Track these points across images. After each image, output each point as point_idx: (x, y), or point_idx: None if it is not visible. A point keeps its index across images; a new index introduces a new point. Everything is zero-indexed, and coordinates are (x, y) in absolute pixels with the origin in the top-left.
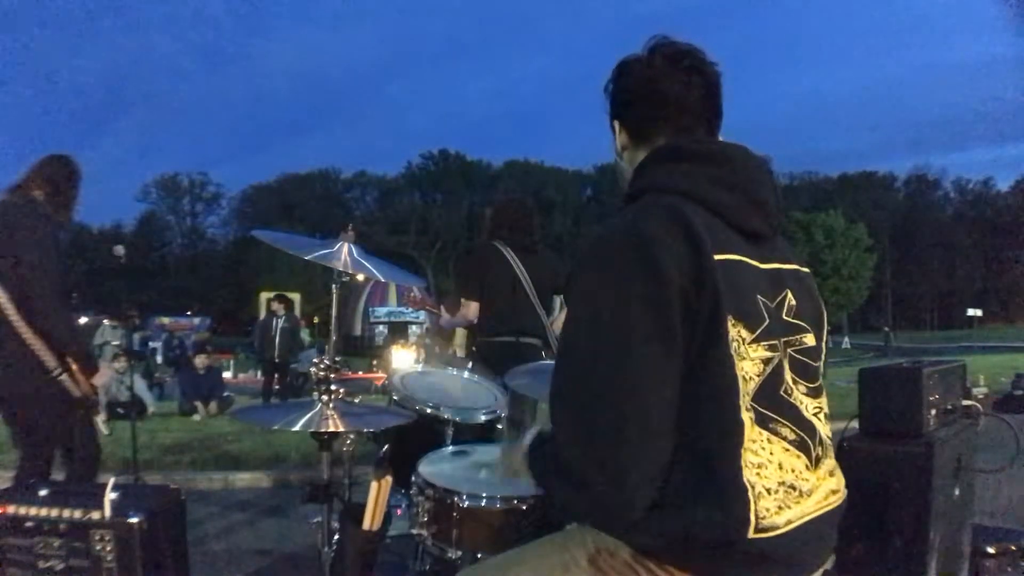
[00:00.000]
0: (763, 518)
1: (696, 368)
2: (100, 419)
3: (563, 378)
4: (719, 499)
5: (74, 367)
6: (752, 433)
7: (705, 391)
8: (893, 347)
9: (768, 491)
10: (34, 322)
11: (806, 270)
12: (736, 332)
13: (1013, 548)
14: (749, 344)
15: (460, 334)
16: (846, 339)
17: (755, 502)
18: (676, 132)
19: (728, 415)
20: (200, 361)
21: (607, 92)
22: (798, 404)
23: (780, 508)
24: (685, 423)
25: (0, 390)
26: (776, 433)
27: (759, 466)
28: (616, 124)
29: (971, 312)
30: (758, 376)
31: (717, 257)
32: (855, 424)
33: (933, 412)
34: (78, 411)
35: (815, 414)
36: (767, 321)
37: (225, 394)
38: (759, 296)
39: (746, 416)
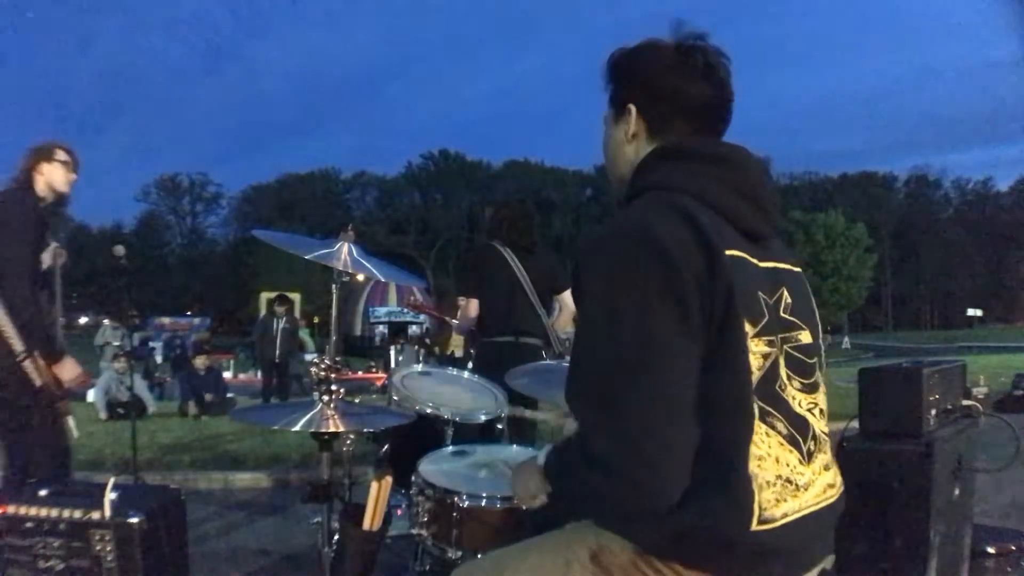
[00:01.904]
0: (764, 510)
1: (711, 361)
2: (71, 419)
3: (585, 376)
4: (727, 491)
5: (37, 355)
6: (755, 426)
7: (719, 384)
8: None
9: (768, 483)
10: (7, 303)
11: (799, 269)
12: (743, 326)
13: (1013, 548)
14: (752, 339)
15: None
16: (846, 339)
17: (758, 493)
18: (691, 133)
19: (741, 408)
20: (200, 362)
21: (620, 68)
22: (790, 400)
23: (778, 501)
24: (700, 415)
25: None
26: (773, 427)
27: (760, 459)
28: (632, 108)
29: (971, 312)
30: (759, 371)
31: (726, 252)
32: (855, 424)
33: (933, 412)
34: (41, 402)
35: (809, 410)
36: (767, 317)
37: (228, 395)
38: (760, 293)
39: (754, 409)
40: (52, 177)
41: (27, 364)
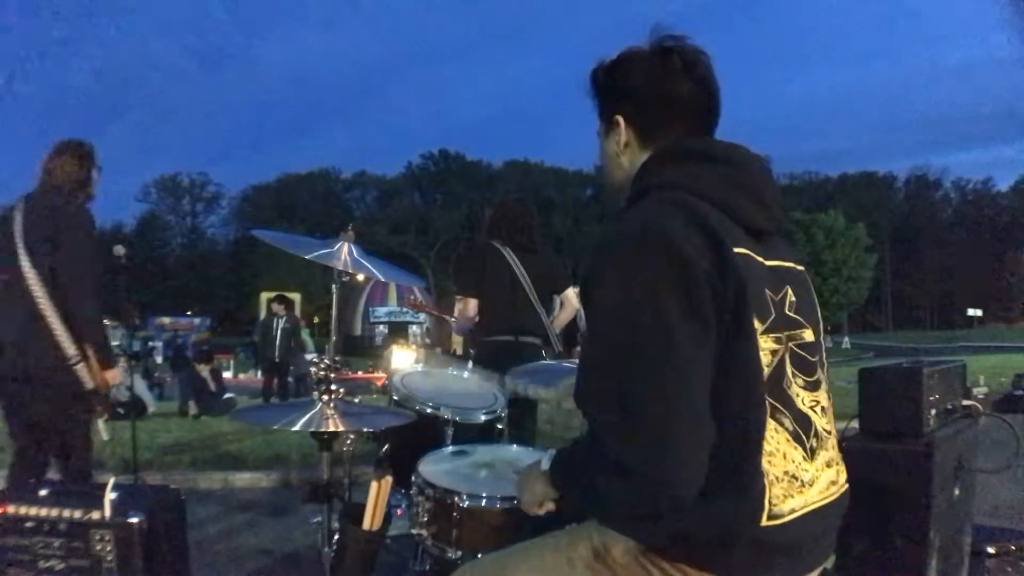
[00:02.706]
0: (774, 505)
1: (724, 357)
2: (101, 422)
3: (599, 373)
4: (740, 487)
5: (92, 358)
6: (767, 422)
7: (732, 380)
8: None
9: (777, 479)
10: (65, 308)
11: (801, 268)
12: (755, 323)
13: (1013, 548)
14: (761, 335)
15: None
16: (846, 339)
17: (769, 489)
18: (683, 133)
19: (755, 404)
20: (203, 367)
21: (602, 82)
22: (795, 397)
23: (785, 497)
24: (714, 412)
25: (13, 371)
26: (781, 424)
27: (771, 455)
28: (620, 119)
29: (971, 312)
30: (768, 367)
31: (735, 250)
32: (855, 424)
33: (933, 412)
34: (84, 406)
35: (811, 407)
36: (774, 315)
37: (227, 396)
38: (767, 290)
39: (767, 405)
40: (96, 186)
41: (80, 368)
